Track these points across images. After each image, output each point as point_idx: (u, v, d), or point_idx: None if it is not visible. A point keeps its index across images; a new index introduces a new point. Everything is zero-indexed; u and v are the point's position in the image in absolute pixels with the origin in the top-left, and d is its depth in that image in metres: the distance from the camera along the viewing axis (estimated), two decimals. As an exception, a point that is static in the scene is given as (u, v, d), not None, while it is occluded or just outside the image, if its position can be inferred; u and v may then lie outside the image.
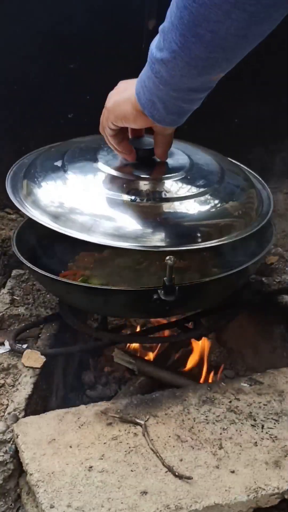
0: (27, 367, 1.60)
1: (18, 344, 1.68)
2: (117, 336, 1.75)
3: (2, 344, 1.72)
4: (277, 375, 1.57)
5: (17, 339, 1.70)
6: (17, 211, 2.41)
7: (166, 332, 1.94)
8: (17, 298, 1.93)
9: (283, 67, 2.44)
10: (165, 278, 1.41)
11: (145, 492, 1.22)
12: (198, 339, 1.91)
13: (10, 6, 2.16)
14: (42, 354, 1.61)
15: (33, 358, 1.60)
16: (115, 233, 1.44)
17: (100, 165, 1.60)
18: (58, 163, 1.64)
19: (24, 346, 1.70)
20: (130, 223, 1.47)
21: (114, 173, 1.57)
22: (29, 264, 1.60)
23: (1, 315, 1.84)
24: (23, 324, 1.81)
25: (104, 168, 1.59)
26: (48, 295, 1.94)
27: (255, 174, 1.91)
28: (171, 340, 1.87)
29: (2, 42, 2.21)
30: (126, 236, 1.44)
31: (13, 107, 2.31)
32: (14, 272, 2.04)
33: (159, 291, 1.42)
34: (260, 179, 1.87)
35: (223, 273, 1.54)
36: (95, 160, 1.62)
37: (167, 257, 1.38)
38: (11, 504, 1.43)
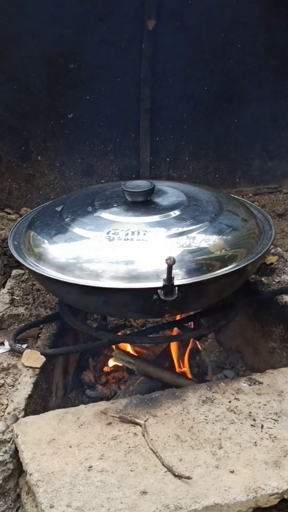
0: (27, 367, 1.60)
1: (18, 344, 1.68)
2: (117, 336, 1.75)
3: (2, 344, 1.72)
4: (277, 375, 1.57)
5: (17, 339, 1.71)
6: (17, 211, 2.42)
7: (167, 332, 1.94)
8: (17, 298, 1.93)
9: (283, 67, 2.45)
10: (164, 278, 1.41)
11: (144, 492, 1.22)
12: (198, 339, 1.92)
13: (10, 5, 2.16)
14: (42, 354, 1.61)
15: (33, 358, 1.60)
16: (126, 276, 1.46)
17: (99, 211, 1.63)
18: (58, 212, 1.69)
19: (24, 346, 1.70)
20: (140, 263, 1.48)
21: (114, 218, 1.60)
22: (27, 265, 1.60)
23: (1, 315, 1.84)
24: (23, 324, 1.81)
25: (104, 215, 1.61)
26: (48, 295, 1.94)
27: (251, 203, 1.92)
28: (171, 340, 1.87)
29: (3, 44, 2.21)
30: (139, 277, 1.46)
31: (13, 107, 2.31)
32: (14, 272, 2.04)
33: (159, 291, 1.42)
34: (260, 208, 1.87)
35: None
36: (93, 206, 1.66)
37: (167, 257, 1.39)
38: (11, 504, 1.43)
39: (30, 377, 1.57)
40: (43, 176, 2.41)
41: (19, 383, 1.56)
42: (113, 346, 1.82)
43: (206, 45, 2.34)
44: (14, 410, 1.47)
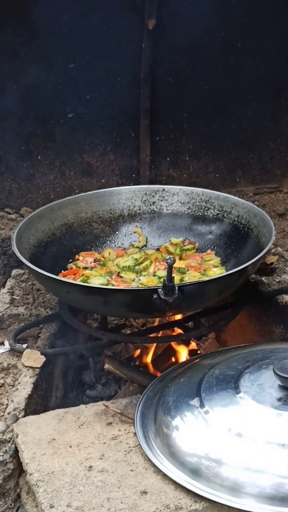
0: (27, 367, 1.60)
1: (18, 344, 1.68)
2: (117, 336, 1.75)
3: (2, 343, 1.72)
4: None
5: (17, 338, 1.70)
6: (17, 211, 2.42)
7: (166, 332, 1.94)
8: (17, 298, 1.93)
9: (282, 67, 2.45)
10: (164, 278, 1.41)
11: (145, 492, 1.22)
12: (198, 339, 1.92)
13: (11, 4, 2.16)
14: (42, 354, 1.61)
15: (33, 358, 1.60)
16: (274, 493, 1.14)
17: (247, 401, 1.29)
18: (195, 402, 1.34)
19: (24, 346, 1.70)
20: None
21: (269, 411, 1.26)
22: (29, 264, 1.60)
23: (1, 314, 1.84)
24: (23, 324, 1.81)
25: (254, 405, 1.28)
26: (48, 295, 1.94)
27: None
28: (171, 340, 1.87)
29: (2, 43, 2.21)
30: None
31: (13, 107, 2.31)
32: (14, 272, 2.04)
33: (159, 290, 1.42)
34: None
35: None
36: (239, 393, 1.32)
37: (167, 257, 1.39)
38: (11, 504, 1.43)
39: (30, 377, 1.57)
40: (43, 175, 2.41)
41: (19, 383, 1.56)
42: (105, 360, 1.79)
43: (206, 44, 2.34)
44: (14, 410, 1.47)
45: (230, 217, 1.94)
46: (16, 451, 1.41)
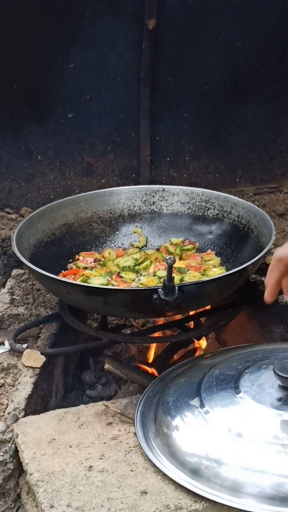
0: (27, 367, 1.60)
1: (18, 344, 1.68)
2: (117, 336, 1.75)
3: (2, 344, 1.72)
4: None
5: (17, 339, 1.70)
6: (17, 211, 2.42)
7: (166, 332, 1.94)
8: (17, 298, 1.93)
9: (282, 67, 2.45)
10: (164, 278, 1.41)
11: (145, 492, 1.22)
12: (198, 339, 1.92)
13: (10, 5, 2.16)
14: (42, 354, 1.61)
15: (33, 358, 1.60)
16: (274, 493, 1.15)
17: (247, 401, 1.29)
18: (195, 402, 1.34)
19: (24, 346, 1.70)
20: None
21: (269, 411, 1.26)
22: (29, 264, 1.60)
23: (1, 315, 1.84)
24: (23, 324, 1.81)
25: (254, 405, 1.28)
26: (48, 295, 1.94)
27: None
28: (171, 340, 1.87)
29: (3, 43, 2.21)
30: None
31: (14, 107, 2.31)
32: (14, 272, 2.04)
33: (159, 290, 1.42)
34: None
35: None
36: (239, 393, 1.32)
37: (167, 257, 1.39)
38: (11, 504, 1.43)
39: (30, 377, 1.57)
40: (43, 175, 2.41)
41: (19, 383, 1.56)
42: (105, 360, 1.78)
43: (206, 44, 2.34)
44: (14, 410, 1.47)
45: (230, 217, 1.94)
46: (16, 451, 1.41)
